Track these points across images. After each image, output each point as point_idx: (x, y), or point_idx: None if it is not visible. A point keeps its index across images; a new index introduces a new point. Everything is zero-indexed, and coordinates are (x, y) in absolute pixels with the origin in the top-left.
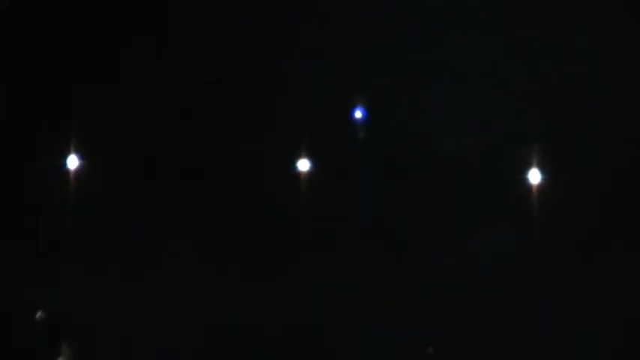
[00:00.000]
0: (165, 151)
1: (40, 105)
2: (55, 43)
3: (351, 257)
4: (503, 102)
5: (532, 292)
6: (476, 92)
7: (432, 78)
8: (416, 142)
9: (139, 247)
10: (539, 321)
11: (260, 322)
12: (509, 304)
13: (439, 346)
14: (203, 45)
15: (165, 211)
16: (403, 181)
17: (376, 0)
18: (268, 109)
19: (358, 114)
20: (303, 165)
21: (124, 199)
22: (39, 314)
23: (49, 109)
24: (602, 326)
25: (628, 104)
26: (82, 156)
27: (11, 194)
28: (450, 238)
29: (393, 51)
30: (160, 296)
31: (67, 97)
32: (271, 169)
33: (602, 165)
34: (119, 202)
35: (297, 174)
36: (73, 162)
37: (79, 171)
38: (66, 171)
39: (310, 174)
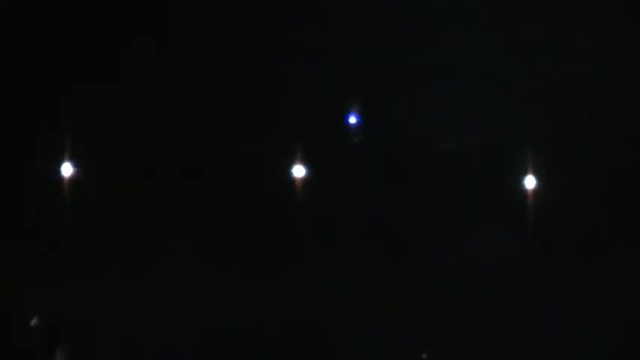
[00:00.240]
0: (165, 151)
1: (40, 105)
2: (55, 43)
3: (351, 257)
4: (503, 102)
5: (532, 292)
6: (476, 92)
7: (432, 78)
8: (416, 142)
9: (139, 247)
10: (539, 321)
11: (260, 322)
12: (509, 304)
13: (439, 346)
14: (203, 45)
15: (165, 211)
16: (403, 181)
17: (376, 0)
18: (268, 109)
19: (352, 119)
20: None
21: (124, 199)
22: (34, 320)
23: (49, 109)
24: (602, 326)
25: (628, 104)
26: (82, 156)
27: (11, 195)
28: (450, 238)
29: (393, 51)
30: (160, 296)
31: (68, 98)
32: (271, 169)
33: (602, 165)
34: (119, 201)
35: (296, 174)
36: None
37: (79, 171)
38: (66, 171)
39: (310, 174)
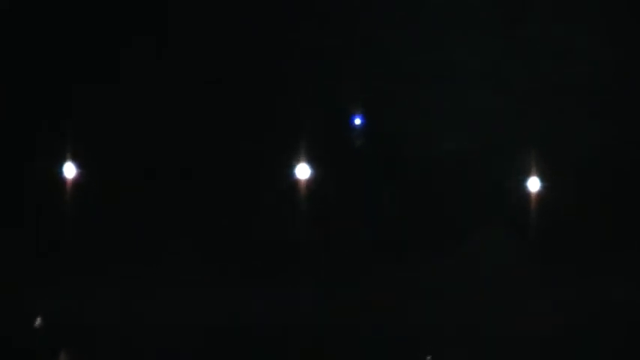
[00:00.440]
0: (165, 151)
1: (41, 105)
2: (55, 43)
3: (351, 257)
4: (504, 102)
5: (532, 292)
6: (476, 92)
7: (432, 78)
8: (416, 142)
9: (139, 247)
10: (539, 321)
11: (260, 322)
12: (509, 304)
13: (439, 346)
14: (203, 45)
15: (165, 211)
16: (403, 181)
17: (376, 0)
18: (268, 109)
19: (357, 121)
20: (303, 165)
21: (125, 199)
22: (37, 322)
23: (49, 109)
24: (602, 326)
25: (628, 104)
26: (82, 156)
27: (11, 195)
28: (450, 238)
29: (393, 51)
30: (160, 296)
31: (68, 98)
32: (271, 169)
33: (602, 165)
34: (119, 202)
35: (296, 174)
36: (73, 162)
37: (79, 171)
38: (66, 171)
39: (310, 174)
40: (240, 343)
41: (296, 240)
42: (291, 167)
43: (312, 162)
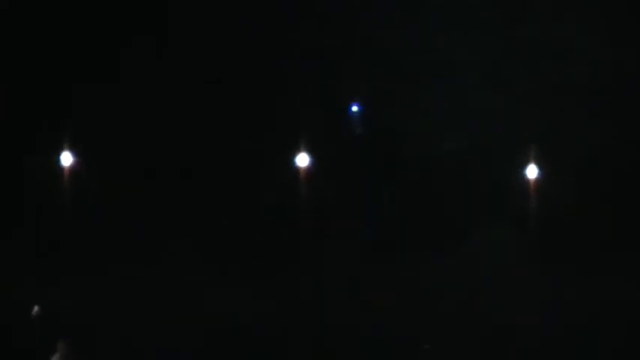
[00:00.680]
0: (165, 151)
1: (41, 105)
2: (55, 43)
3: (351, 257)
4: (503, 102)
5: (532, 292)
6: (476, 92)
7: (432, 78)
8: (416, 142)
9: (139, 247)
10: (539, 321)
11: (260, 322)
12: (509, 304)
13: (439, 346)
14: (203, 45)
15: (165, 211)
16: (403, 180)
17: (376, 0)
18: (268, 109)
19: (355, 109)
20: (303, 165)
21: (124, 199)
22: (35, 310)
23: (50, 109)
24: (602, 326)
25: (628, 104)
26: (83, 156)
27: (11, 195)
28: (450, 238)
29: (393, 51)
30: (160, 296)
31: (68, 97)
32: (271, 169)
33: (603, 165)
34: (119, 202)
35: (296, 174)
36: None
37: (79, 171)
38: (66, 171)
39: (310, 174)
40: (240, 343)
41: (296, 240)
42: (291, 168)
43: (311, 162)
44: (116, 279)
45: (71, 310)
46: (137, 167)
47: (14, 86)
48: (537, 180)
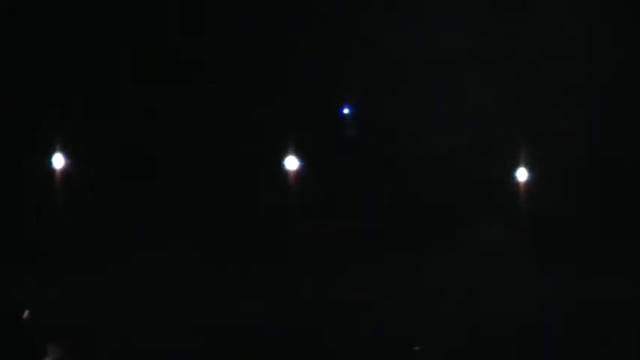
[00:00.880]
0: (165, 150)
1: (42, 105)
2: (55, 43)
3: (351, 257)
4: (502, 101)
5: (531, 292)
6: (475, 92)
7: (432, 78)
8: (415, 142)
9: (139, 247)
10: (538, 321)
11: (260, 322)
12: (507, 304)
13: (437, 345)
14: (203, 45)
15: (165, 211)
16: (402, 180)
17: (376, 0)
18: (268, 109)
19: (346, 111)
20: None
21: (124, 199)
22: (26, 314)
23: (50, 109)
24: (602, 326)
25: (628, 104)
26: (82, 156)
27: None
28: (449, 237)
29: (393, 51)
30: (160, 296)
31: (68, 97)
32: (271, 169)
33: (603, 165)
34: (119, 202)
35: (296, 174)
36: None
37: (79, 170)
38: (66, 170)
39: (310, 174)
40: (240, 343)
41: (296, 240)
42: (290, 168)
43: (311, 162)
44: (116, 279)
45: (71, 310)
46: (137, 167)
47: (14, 86)
48: (538, 180)
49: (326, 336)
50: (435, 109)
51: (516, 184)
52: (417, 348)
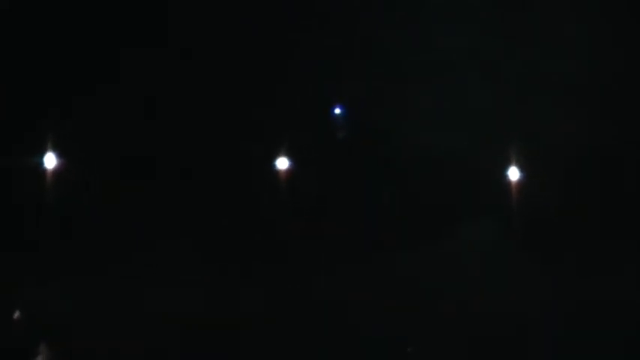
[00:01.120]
0: (164, 150)
1: (42, 105)
2: (55, 43)
3: (351, 257)
4: (502, 101)
5: (531, 292)
6: (475, 92)
7: (432, 78)
8: (414, 142)
9: (138, 247)
10: (538, 321)
11: (260, 322)
12: (507, 304)
13: (435, 345)
14: (203, 45)
15: (165, 211)
16: (402, 180)
17: (376, 0)
18: (268, 109)
19: (337, 111)
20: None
21: (124, 200)
22: (16, 315)
23: (50, 109)
24: (602, 326)
25: (628, 104)
26: (81, 156)
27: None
28: (449, 237)
29: (393, 51)
30: (160, 296)
31: (68, 97)
32: (271, 169)
33: (602, 165)
34: (118, 202)
35: (296, 174)
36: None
37: (78, 170)
38: (66, 170)
39: (309, 174)
40: (240, 342)
41: (296, 240)
42: (290, 168)
43: (310, 162)
44: (115, 279)
45: (69, 310)
46: (137, 167)
47: (14, 86)
48: (537, 180)
49: (326, 336)
50: (434, 109)
51: (516, 184)
52: (409, 350)
